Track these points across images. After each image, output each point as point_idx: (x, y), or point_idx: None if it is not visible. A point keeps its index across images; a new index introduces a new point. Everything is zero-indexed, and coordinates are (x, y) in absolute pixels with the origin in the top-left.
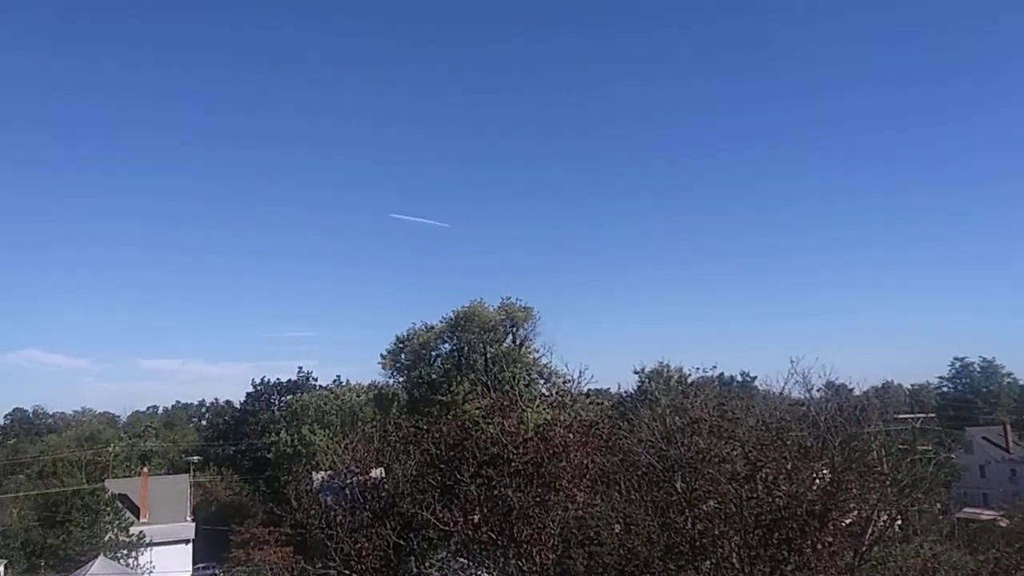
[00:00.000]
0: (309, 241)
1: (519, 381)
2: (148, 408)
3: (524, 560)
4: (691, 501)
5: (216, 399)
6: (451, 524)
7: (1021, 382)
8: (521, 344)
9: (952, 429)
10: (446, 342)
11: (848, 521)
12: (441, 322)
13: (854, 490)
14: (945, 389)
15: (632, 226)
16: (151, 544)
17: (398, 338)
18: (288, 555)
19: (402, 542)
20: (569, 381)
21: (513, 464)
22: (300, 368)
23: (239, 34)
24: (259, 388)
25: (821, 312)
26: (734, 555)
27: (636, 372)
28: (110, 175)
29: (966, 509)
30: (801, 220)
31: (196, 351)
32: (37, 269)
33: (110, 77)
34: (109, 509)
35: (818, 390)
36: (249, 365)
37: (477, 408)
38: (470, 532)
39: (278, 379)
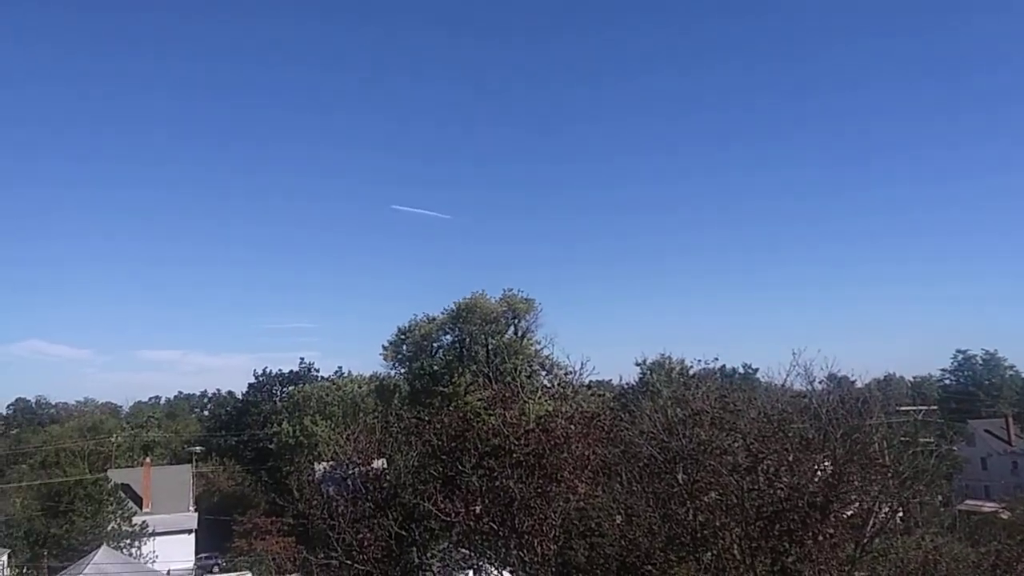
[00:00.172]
0: (310, 232)
1: (521, 373)
2: (150, 399)
3: (526, 551)
4: (692, 493)
5: (218, 390)
6: (453, 515)
7: (1023, 375)
8: (523, 336)
9: (954, 422)
10: (447, 333)
11: (849, 513)
12: (443, 313)
13: (856, 482)
14: (947, 382)
15: (633, 218)
16: (154, 534)
17: (400, 329)
18: (290, 545)
19: (404, 532)
20: (571, 373)
21: (515, 455)
22: (302, 359)
23: (241, 27)
24: (261, 379)
25: (824, 305)
26: (735, 546)
27: (638, 364)
28: (113, 167)
29: (968, 501)
30: (803, 212)
31: (198, 342)
32: (39, 261)
33: (108, 69)
34: (112, 499)
35: (820, 382)
36: (250, 356)
37: (479, 399)
38: (472, 523)
39: (280, 370)
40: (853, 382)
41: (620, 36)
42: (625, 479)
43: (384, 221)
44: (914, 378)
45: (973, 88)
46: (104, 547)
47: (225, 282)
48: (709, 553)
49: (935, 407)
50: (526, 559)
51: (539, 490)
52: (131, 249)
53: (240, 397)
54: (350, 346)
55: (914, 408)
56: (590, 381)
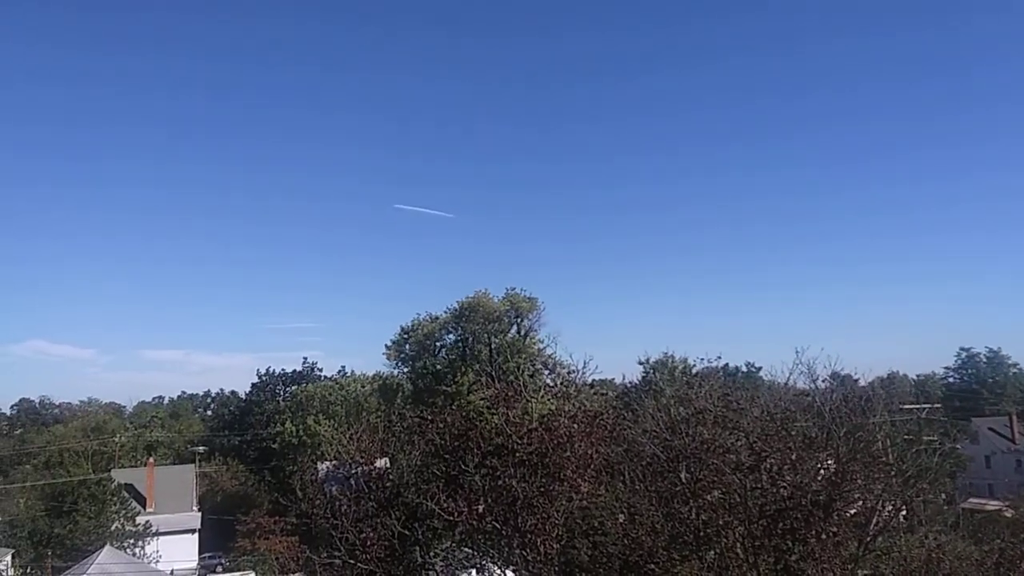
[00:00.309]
0: (313, 232)
1: (523, 371)
2: (154, 398)
3: (529, 550)
4: (695, 491)
5: (221, 390)
6: (456, 514)
7: None
8: (526, 335)
9: (958, 420)
10: (450, 332)
11: (853, 511)
12: (445, 312)
13: (859, 480)
14: (951, 380)
15: (636, 217)
16: (157, 533)
17: (402, 328)
18: (293, 544)
19: (407, 532)
20: (574, 372)
21: (517, 454)
22: (305, 359)
23: (243, 26)
24: (264, 379)
25: (826, 303)
26: (738, 545)
27: (641, 363)
28: (115, 166)
29: (971, 499)
30: (806, 211)
31: (201, 342)
32: (42, 261)
33: (110, 67)
34: (115, 499)
35: (823, 381)
36: (253, 356)
37: (482, 398)
38: (475, 522)
39: (283, 370)
40: (856, 380)
41: (625, 36)
42: (628, 478)
43: (386, 220)
44: (917, 376)
45: (975, 85)
46: (108, 547)
47: (228, 282)
48: (712, 552)
49: (939, 405)
50: (529, 558)
51: (542, 489)
52: (134, 249)
53: (243, 397)
54: (353, 346)
55: (918, 406)
56: (593, 380)
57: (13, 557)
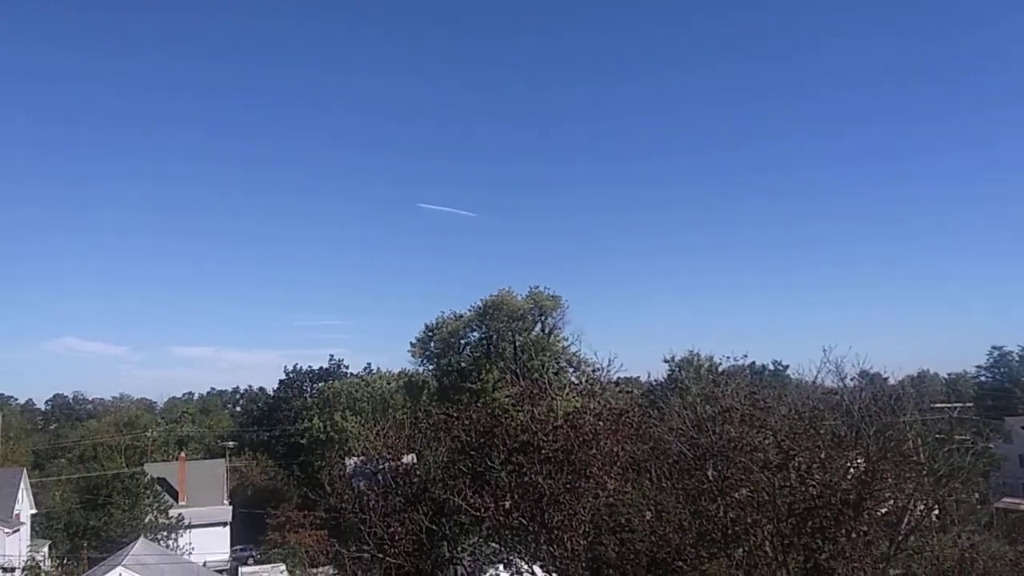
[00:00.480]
0: (340, 231)
1: (548, 369)
2: (184, 394)
3: (555, 546)
4: (723, 489)
5: (250, 386)
6: (482, 510)
7: None
8: (550, 332)
9: (990, 419)
10: (475, 330)
11: (884, 510)
12: (470, 311)
13: (889, 479)
14: (983, 378)
15: (660, 216)
16: (190, 526)
17: (427, 326)
18: (323, 538)
19: (434, 527)
20: (598, 369)
21: (543, 451)
22: (331, 356)
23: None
24: (292, 375)
25: (855, 302)
26: (767, 543)
27: (666, 361)
28: (147, 165)
29: (1005, 499)
30: (836, 210)
31: (230, 339)
32: (74, 259)
33: (150, 70)
34: (148, 492)
35: (852, 379)
36: (281, 353)
37: (507, 396)
38: (501, 518)
39: (310, 366)
40: (886, 379)
41: (643, 35)
42: (655, 475)
43: (411, 220)
44: (948, 375)
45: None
46: (142, 539)
47: (256, 280)
48: (741, 549)
49: (971, 404)
50: (556, 554)
51: (568, 486)
52: (166, 248)
53: (271, 393)
54: (379, 343)
55: (949, 405)
56: (618, 378)
57: (50, 548)
